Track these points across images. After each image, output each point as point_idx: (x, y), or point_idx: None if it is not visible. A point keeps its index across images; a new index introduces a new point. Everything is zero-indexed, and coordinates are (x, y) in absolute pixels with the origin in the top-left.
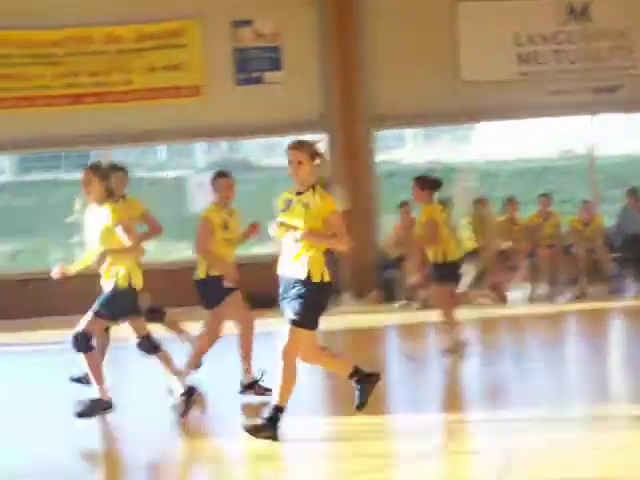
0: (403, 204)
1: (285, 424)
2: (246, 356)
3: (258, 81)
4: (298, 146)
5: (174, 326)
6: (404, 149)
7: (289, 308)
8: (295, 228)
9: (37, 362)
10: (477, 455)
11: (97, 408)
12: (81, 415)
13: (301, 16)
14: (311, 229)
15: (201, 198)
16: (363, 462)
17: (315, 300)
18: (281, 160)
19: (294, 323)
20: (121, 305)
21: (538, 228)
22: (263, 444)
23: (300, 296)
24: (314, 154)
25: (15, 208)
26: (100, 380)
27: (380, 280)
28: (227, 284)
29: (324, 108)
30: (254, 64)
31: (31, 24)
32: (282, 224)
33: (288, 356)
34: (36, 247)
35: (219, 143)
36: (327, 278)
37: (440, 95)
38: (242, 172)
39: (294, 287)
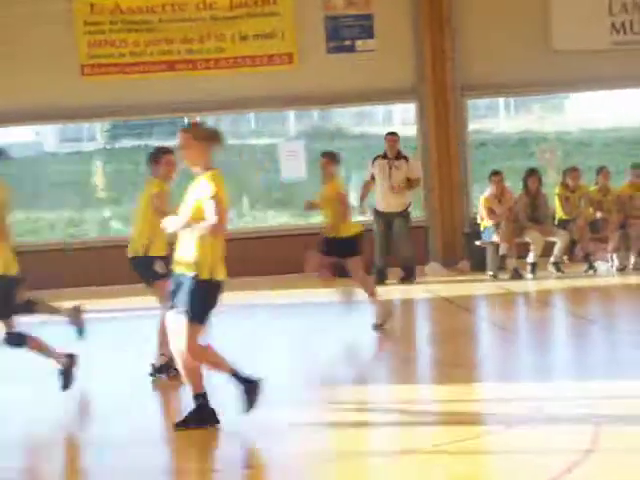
0: (495, 173)
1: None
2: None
3: (350, 49)
4: (184, 129)
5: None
6: (496, 118)
7: (179, 302)
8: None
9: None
10: (569, 423)
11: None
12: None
13: None
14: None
15: (292, 166)
16: (457, 430)
17: (201, 296)
18: (372, 128)
19: (185, 315)
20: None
21: (630, 199)
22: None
23: (187, 292)
24: (201, 136)
25: (106, 175)
26: (50, 352)
27: (470, 250)
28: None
29: (415, 76)
30: (346, 32)
31: None
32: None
33: (187, 347)
34: (125, 214)
35: (310, 111)
36: (218, 276)
37: (531, 64)
38: (333, 140)
39: (184, 283)
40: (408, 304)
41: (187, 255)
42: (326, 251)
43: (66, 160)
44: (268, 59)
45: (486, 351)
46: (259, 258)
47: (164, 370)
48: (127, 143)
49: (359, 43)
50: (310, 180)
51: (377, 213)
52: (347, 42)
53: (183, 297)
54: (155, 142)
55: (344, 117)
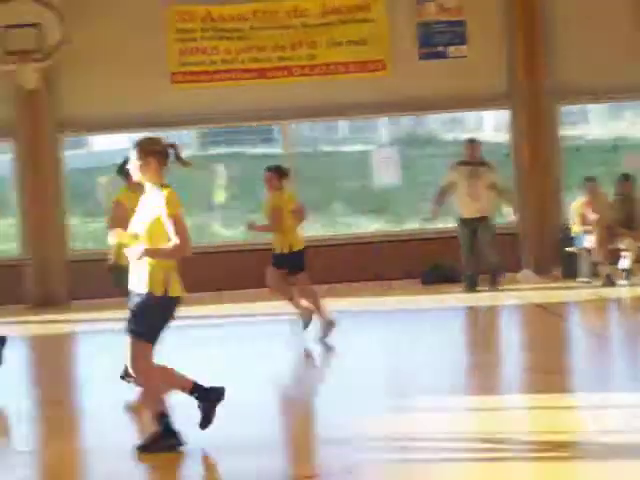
0: (588, 180)
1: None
2: None
3: (442, 55)
4: (135, 144)
5: None
6: (589, 124)
7: (128, 320)
8: (135, 237)
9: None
10: None
11: None
12: None
13: None
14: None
15: (384, 172)
16: (550, 437)
17: (154, 314)
18: (464, 134)
19: (132, 333)
20: None
21: None
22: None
23: (139, 308)
24: (151, 152)
25: (198, 182)
26: None
27: (562, 256)
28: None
29: (507, 82)
30: (438, 38)
31: None
32: (121, 233)
33: (138, 368)
34: (223, 221)
35: (402, 117)
36: (173, 292)
37: (624, 71)
38: (426, 146)
39: (136, 299)
40: (498, 310)
41: (140, 272)
42: (276, 265)
43: None
44: (360, 66)
45: (579, 358)
46: (353, 265)
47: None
48: (218, 150)
49: (451, 49)
50: (404, 186)
51: (461, 220)
52: (439, 48)
53: (131, 315)
54: (246, 150)
55: (437, 123)
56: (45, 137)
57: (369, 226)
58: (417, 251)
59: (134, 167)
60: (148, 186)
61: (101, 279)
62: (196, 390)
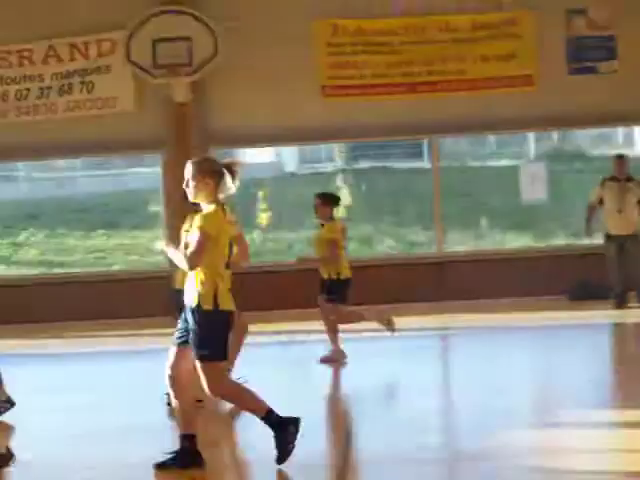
0: None
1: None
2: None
3: (592, 70)
4: (192, 162)
5: None
6: None
7: (192, 342)
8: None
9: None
10: None
11: None
12: None
13: (636, 4)
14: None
15: (533, 188)
16: None
17: (210, 330)
18: (613, 150)
19: (202, 359)
20: None
21: None
22: None
23: (196, 328)
24: (206, 172)
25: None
26: None
27: None
28: None
29: None
30: (588, 53)
31: (366, 13)
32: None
33: (216, 392)
34: (364, 235)
35: (550, 132)
36: (225, 306)
37: None
38: (573, 162)
39: (191, 316)
40: None
41: (191, 286)
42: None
43: (305, 181)
44: (509, 81)
45: None
46: (498, 280)
47: None
48: (365, 164)
49: (602, 64)
50: (550, 202)
51: (608, 237)
52: (589, 63)
53: (194, 337)
54: (393, 164)
55: (584, 139)
56: (194, 150)
57: (515, 241)
58: (564, 267)
59: (192, 187)
60: (204, 206)
61: (247, 292)
62: (270, 417)
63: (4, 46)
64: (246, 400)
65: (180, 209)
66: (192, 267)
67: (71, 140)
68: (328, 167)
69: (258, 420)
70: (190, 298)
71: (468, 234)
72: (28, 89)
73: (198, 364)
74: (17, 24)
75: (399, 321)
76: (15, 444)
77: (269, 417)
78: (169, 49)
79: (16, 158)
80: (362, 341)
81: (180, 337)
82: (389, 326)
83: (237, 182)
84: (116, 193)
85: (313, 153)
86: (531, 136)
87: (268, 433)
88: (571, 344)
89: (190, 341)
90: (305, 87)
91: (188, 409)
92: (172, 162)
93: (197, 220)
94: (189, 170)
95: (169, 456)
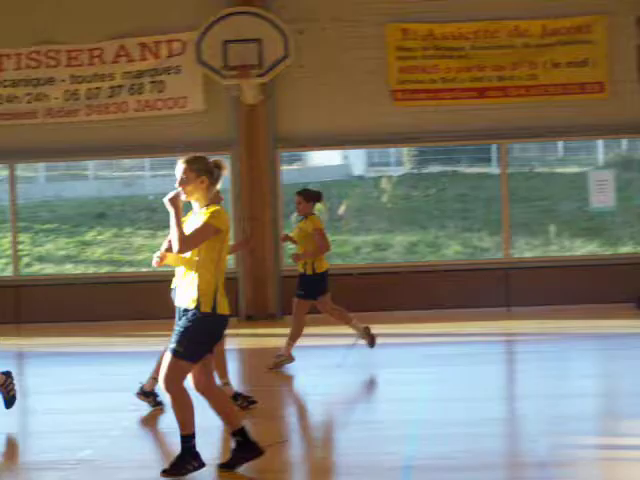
0: None
1: None
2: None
3: None
4: (187, 162)
5: None
6: None
7: (172, 337)
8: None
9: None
10: None
11: None
12: None
13: None
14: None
15: (600, 195)
16: None
17: (199, 332)
18: None
19: (174, 353)
20: None
21: None
22: None
23: (185, 327)
24: (201, 171)
25: (413, 200)
26: None
27: None
28: None
29: None
30: None
31: (437, 17)
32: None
33: (169, 387)
34: (431, 240)
35: (619, 140)
36: (222, 310)
37: None
38: None
39: (184, 316)
40: None
41: (188, 288)
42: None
43: (373, 184)
44: (579, 87)
45: None
46: (564, 286)
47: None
48: (434, 169)
49: None
50: (619, 209)
51: None
52: None
53: (177, 332)
54: (462, 168)
55: None
56: (263, 152)
57: (583, 248)
58: (631, 275)
59: (187, 186)
60: (196, 206)
61: None
62: (240, 435)
63: (75, 45)
64: (184, 411)
65: (248, 209)
66: (182, 249)
67: (140, 140)
68: (396, 171)
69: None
70: (187, 300)
71: (535, 240)
72: (99, 88)
73: (168, 356)
74: (88, 23)
75: (465, 325)
76: (75, 442)
77: (188, 440)
78: (239, 50)
79: (85, 157)
80: (425, 346)
81: None
82: (370, 339)
83: (221, 183)
84: None
85: (381, 156)
86: (600, 143)
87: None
88: (638, 353)
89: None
90: (375, 91)
91: (224, 406)
92: (241, 163)
93: (203, 215)
94: (183, 169)
95: (230, 456)
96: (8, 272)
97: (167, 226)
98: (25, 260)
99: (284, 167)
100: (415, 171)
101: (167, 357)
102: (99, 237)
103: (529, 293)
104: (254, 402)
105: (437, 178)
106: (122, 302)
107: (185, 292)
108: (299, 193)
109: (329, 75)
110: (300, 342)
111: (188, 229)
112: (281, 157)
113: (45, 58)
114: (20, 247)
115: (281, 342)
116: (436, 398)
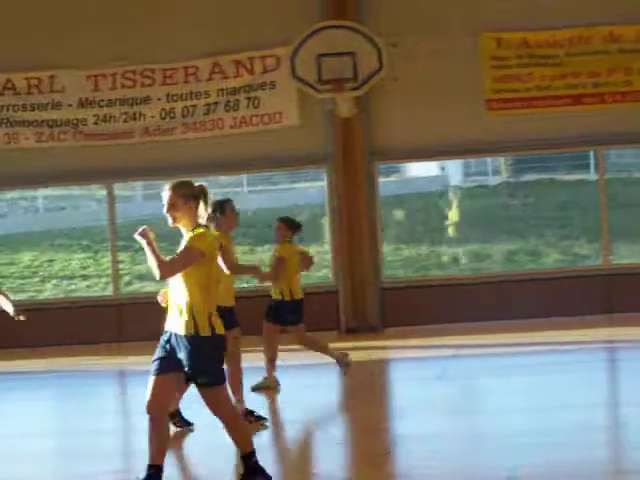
0: None
1: None
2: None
3: None
4: (173, 188)
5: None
6: None
7: (192, 372)
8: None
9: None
10: None
11: None
12: None
13: None
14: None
15: None
16: None
17: (209, 356)
18: None
19: (203, 386)
20: None
21: None
22: None
23: (193, 356)
24: (189, 196)
25: (511, 209)
26: None
27: None
28: None
29: None
30: None
31: (530, 25)
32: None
33: (220, 415)
34: (531, 248)
35: None
36: (220, 330)
37: None
38: None
39: (184, 346)
40: None
41: (183, 311)
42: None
43: (470, 194)
44: None
45: None
46: None
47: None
48: (531, 177)
49: None
50: None
51: None
52: None
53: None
54: (559, 176)
55: None
56: (359, 164)
57: None
58: None
59: (174, 212)
60: (184, 231)
61: (414, 306)
62: (249, 459)
63: (170, 64)
64: (240, 430)
65: (346, 221)
66: (164, 276)
67: (236, 156)
68: (494, 180)
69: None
70: (181, 326)
71: (636, 246)
72: (194, 105)
73: (200, 392)
74: (182, 42)
75: (566, 334)
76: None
77: (249, 458)
78: (333, 64)
79: (182, 174)
80: (525, 355)
81: (162, 366)
82: (346, 364)
83: (207, 207)
84: (281, 208)
85: (478, 166)
86: None
87: None
88: None
89: (187, 370)
90: (469, 101)
91: (165, 435)
92: (337, 176)
93: (187, 239)
94: (170, 195)
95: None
96: (109, 291)
97: (267, 241)
98: (125, 279)
99: (381, 179)
100: (512, 180)
101: (204, 392)
102: None
103: (630, 299)
104: (264, 419)
105: (534, 186)
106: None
107: (179, 318)
108: (281, 219)
109: (423, 86)
110: (398, 354)
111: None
112: (378, 169)
113: (140, 77)
114: (120, 266)
115: (382, 355)
116: (536, 407)
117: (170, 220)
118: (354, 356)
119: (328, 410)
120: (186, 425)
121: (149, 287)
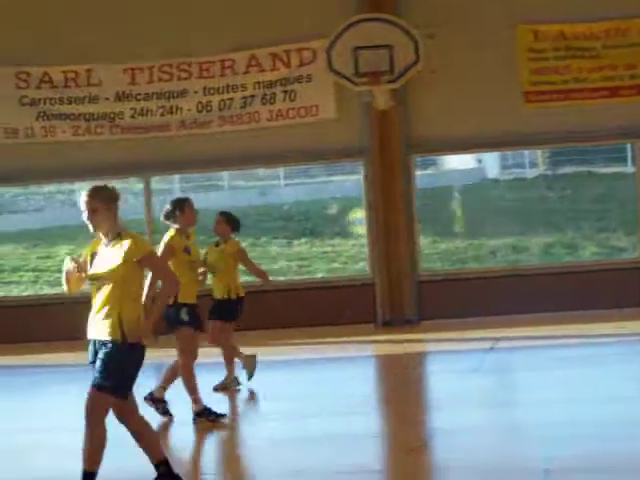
0: None
1: None
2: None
3: None
4: (92, 193)
5: None
6: None
7: (96, 371)
8: (103, 280)
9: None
10: None
11: None
12: None
13: None
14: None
15: None
16: None
17: (123, 363)
18: None
19: (99, 388)
20: None
21: None
22: None
23: (105, 360)
24: (110, 199)
25: (548, 201)
26: None
27: None
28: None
29: None
30: None
31: (566, 17)
32: (93, 277)
33: (92, 420)
34: (567, 241)
35: None
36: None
37: None
38: None
39: (101, 349)
40: None
41: (103, 317)
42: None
43: (507, 187)
44: None
45: None
46: None
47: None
48: (568, 169)
49: None
50: None
51: None
52: None
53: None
54: (597, 168)
55: None
56: (396, 157)
57: None
58: None
59: (95, 217)
60: (104, 237)
61: (451, 299)
62: (163, 466)
63: (207, 57)
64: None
65: (383, 217)
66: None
67: (273, 149)
68: (531, 173)
69: None
70: (105, 331)
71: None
72: (231, 99)
73: (91, 391)
74: (219, 35)
75: (602, 327)
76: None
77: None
78: (370, 57)
79: (219, 167)
80: (561, 348)
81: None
82: (251, 369)
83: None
84: (318, 201)
85: (515, 158)
86: None
87: None
88: None
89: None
90: (507, 93)
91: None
92: (374, 169)
93: (127, 244)
94: (90, 200)
95: None
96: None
97: (303, 234)
98: None
99: (418, 172)
100: (549, 172)
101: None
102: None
103: None
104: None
105: (571, 179)
106: (259, 311)
107: (104, 322)
108: (221, 214)
109: (460, 79)
110: (435, 347)
111: (101, 262)
112: (415, 162)
113: (177, 71)
114: None
115: (418, 348)
116: (573, 399)
117: (90, 227)
118: (390, 349)
119: (364, 402)
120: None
121: None
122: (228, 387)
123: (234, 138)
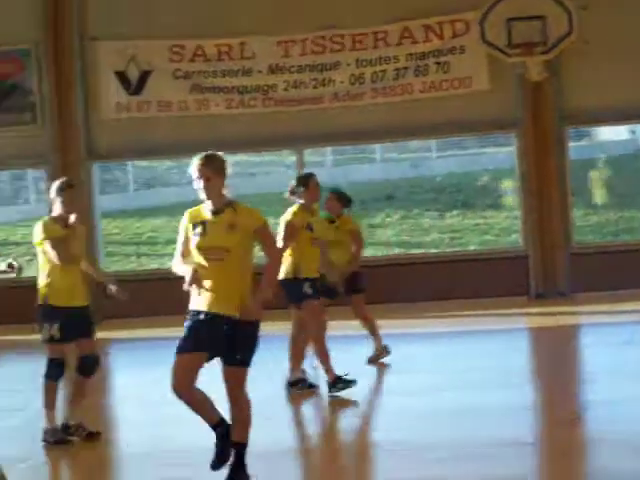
0: None
1: None
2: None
3: None
4: (206, 162)
5: None
6: None
7: (239, 351)
8: (223, 251)
9: None
10: None
11: None
12: None
13: None
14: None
15: None
16: None
17: (257, 338)
18: None
19: (247, 364)
20: None
21: None
22: None
23: (247, 336)
24: (222, 168)
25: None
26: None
27: None
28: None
29: None
30: None
31: None
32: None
33: (241, 395)
34: None
35: None
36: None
37: None
38: None
39: (236, 327)
40: None
41: (229, 291)
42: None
43: None
44: None
45: None
46: None
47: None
48: None
49: None
50: None
51: None
52: None
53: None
54: None
55: None
56: (549, 129)
57: None
58: None
59: (207, 183)
60: (214, 205)
61: (602, 272)
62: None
63: (360, 29)
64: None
65: (536, 186)
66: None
67: (425, 121)
68: None
69: None
70: (232, 306)
71: None
72: (384, 71)
73: (236, 368)
74: (372, 7)
75: None
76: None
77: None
78: (523, 28)
79: (371, 140)
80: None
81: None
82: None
83: None
84: (470, 173)
85: None
86: None
87: None
88: None
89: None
90: None
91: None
92: (527, 141)
93: (252, 215)
94: (204, 169)
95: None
96: None
97: (456, 207)
98: None
99: (571, 143)
100: None
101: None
102: (387, 219)
103: None
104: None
105: None
106: (411, 284)
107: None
108: (334, 192)
109: (614, 49)
110: (587, 319)
111: (216, 232)
112: (568, 134)
113: (330, 43)
114: None
115: (571, 320)
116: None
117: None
118: (543, 322)
119: (517, 375)
120: None
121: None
122: (380, 357)
123: (386, 110)
